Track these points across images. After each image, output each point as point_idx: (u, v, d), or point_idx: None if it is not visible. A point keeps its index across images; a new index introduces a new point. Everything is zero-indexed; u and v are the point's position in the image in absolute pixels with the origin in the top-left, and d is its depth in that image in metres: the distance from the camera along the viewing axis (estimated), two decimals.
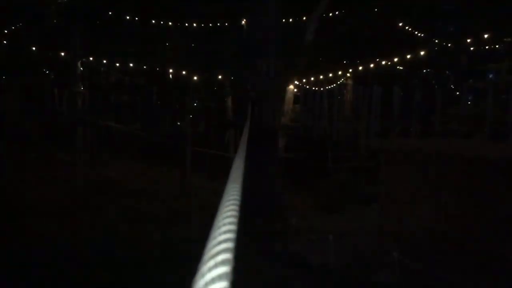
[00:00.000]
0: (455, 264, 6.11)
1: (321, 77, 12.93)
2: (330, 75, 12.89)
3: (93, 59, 12.45)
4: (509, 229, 6.24)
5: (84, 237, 7.12)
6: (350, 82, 14.01)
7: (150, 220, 8.13)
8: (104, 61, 12.62)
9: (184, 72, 12.05)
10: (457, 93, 13.57)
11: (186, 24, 13.14)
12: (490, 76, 12.22)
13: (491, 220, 6.38)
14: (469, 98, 12.14)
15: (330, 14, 13.46)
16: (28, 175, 10.34)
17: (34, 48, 12.50)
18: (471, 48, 12.71)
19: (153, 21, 13.04)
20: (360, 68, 12.49)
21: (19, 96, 13.10)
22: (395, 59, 11.69)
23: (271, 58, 8.85)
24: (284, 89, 11.72)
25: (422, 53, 11.52)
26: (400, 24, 13.94)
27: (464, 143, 8.36)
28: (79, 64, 11.29)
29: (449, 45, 13.42)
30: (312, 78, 13.11)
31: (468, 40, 12.23)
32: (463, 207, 6.75)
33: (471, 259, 6.10)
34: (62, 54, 12.29)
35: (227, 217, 0.87)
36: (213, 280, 0.62)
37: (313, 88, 14.13)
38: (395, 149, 8.18)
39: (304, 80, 13.39)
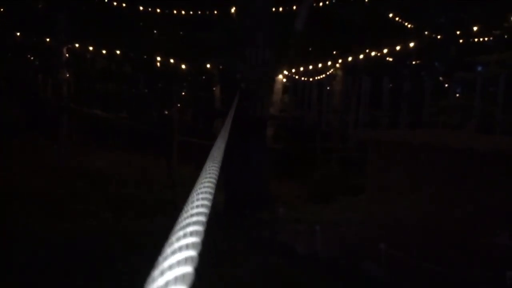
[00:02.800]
0: (443, 256, 6.11)
1: (311, 67, 12.85)
2: (320, 65, 12.82)
3: (79, 45, 12.21)
4: (497, 221, 6.27)
5: (70, 226, 7.02)
6: (339, 72, 13.94)
7: (136, 209, 8.05)
8: (90, 48, 12.39)
9: (172, 60, 11.88)
10: (446, 85, 13.60)
11: (174, 12, 12.94)
12: (479, 68, 12.27)
13: (480, 212, 6.40)
14: (458, 90, 12.19)
15: (321, 4, 13.35)
16: (12, 163, 10.18)
17: (18, 34, 12.22)
18: (461, 40, 12.74)
19: (141, 8, 12.81)
20: (350, 58, 12.43)
21: (2, 83, 12.84)
22: (385, 50, 11.65)
23: (260, 47, 8.75)
24: (273, 79, 11.63)
25: (411, 44, 11.50)
26: (390, 15, 13.89)
27: (452, 135, 8.38)
28: (64, 50, 11.09)
29: (439, 36, 13.42)
30: (302, 68, 13.03)
31: (458, 32, 12.24)
32: (451, 199, 6.76)
33: (460, 251, 6.11)
34: (47, 40, 12.04)
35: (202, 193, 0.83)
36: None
37: (303, 79, 14.06)
38: (383, 140, 8.17)
39: (293, 70, 13.30)
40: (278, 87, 12.65)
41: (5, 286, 4.80)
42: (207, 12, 12.96)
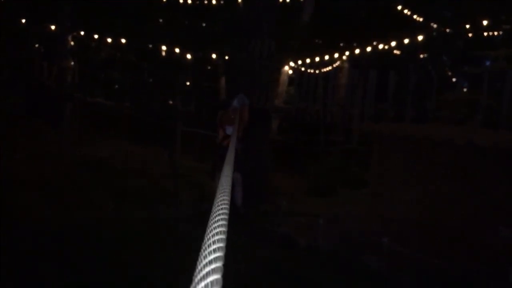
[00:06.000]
0: (444, 250, 6.10)
1: (317, 59, 12.73)
2: (326, 57, 12.71)
3: (83, 33, 12.17)
4: (498, 216, 6.23)
5: (72, 215, 7.01)
6: (346, 65, 13.83)
7: (138, 199, 8.03)
8: (95, 36, 12.34)
9: (177, 50, 11.81)
10: (453, 79, 13.48)
11: (180, 1, 12.84)
12: (487, 63, 12.10)
13: (481, 207, 6.37)
14: (465, 84, 12.07)
15: None
16: (15, 152, 10.17)
17: (23, 20, 12.18)
18: (469, 34, 12.59)
19: None
20: (357, 51, 12.31)
21: (6, 70, 12.82)
22: (392, 43, 11.54)
23: (265, 39, 8.69)
24: (278, 71, 11.55)
25: (419, 37, 11.37)
26: (399, 8, 13.73)
27: (457, 130, 8.33)
28: (69, 38, 11.07)
29: (447, 30, 13.27)
30: (308, 60, 12.92)
31: (467, 26, 12.10)
32: (453, 194, 6.73)
33: (460, 245, 6.10)
34: (52, 27, 12.00)
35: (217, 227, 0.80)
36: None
37: (308, 71, 13.97)
38: (388, 134, 8.13)
39: (299, 62, 13.20)
40: (283, 78, 12.59)
41: (8, 274, 4.80)
42: (213, 2, 12.86)
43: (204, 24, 12.95)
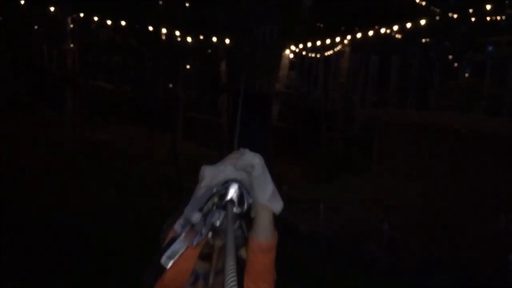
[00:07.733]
0: (444, 238, 6.12)
1: (318, 43, 12.58)
2: (328, 41, 12.56)
3: (83, 15, 12.01)
4: (500, 205, 6.24)
5: (72, 201, 7.00)
6: (347, 49, 13.68)
7: (139, 186, 8.03)
8: (95, 18, 12.18)
9: (177, 33, 11.67)
10: (456, 64, 13.39)
11: None
12: (490, 48, 12.01)
13: (483, 196, 6.38)
14: (467, 70, 11.98)
15: None
16: (16, 136, 10.14)
17: (22, 2, 12.01)
18: (472, 19, 12.43)
19: None
20: (358, 35, 12.15)
21: (7, 54, 12.69)
22: (395, 28, 11.40)
23: (268, 25, 8.57)
24: (280, 56, 11.43)
25: (422, 22, 11.23)
26: None
27: (460, 117, 8.31)
28: (69, 20, 10.94)
29: (450, 14, 13.10)
30: (309, 44, 12.78)
31: (470, 11, 11.94)
32: (455, 182, 6.74)
33: (461, 234, 6.12)
34: (52, 9, 11.84)
35: None
36: None
37: (310, 55, 13.85)
38: (390, 120, 8.10)
39: (301, 46, 13.06)
40: (284, 62, 12.44)
41: (10, 263, 4.81)
42: None
43: (205, 9, 12.77)
